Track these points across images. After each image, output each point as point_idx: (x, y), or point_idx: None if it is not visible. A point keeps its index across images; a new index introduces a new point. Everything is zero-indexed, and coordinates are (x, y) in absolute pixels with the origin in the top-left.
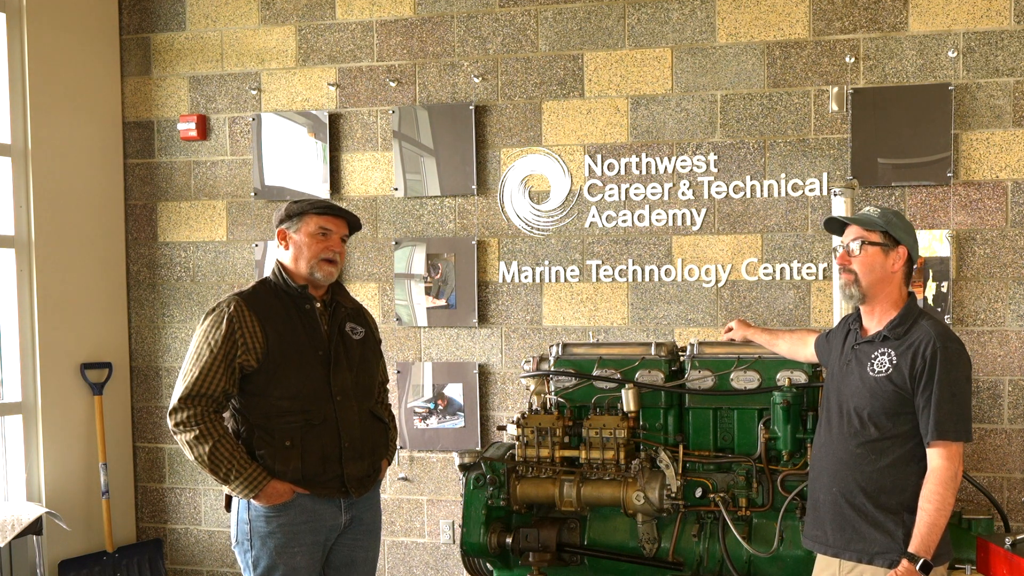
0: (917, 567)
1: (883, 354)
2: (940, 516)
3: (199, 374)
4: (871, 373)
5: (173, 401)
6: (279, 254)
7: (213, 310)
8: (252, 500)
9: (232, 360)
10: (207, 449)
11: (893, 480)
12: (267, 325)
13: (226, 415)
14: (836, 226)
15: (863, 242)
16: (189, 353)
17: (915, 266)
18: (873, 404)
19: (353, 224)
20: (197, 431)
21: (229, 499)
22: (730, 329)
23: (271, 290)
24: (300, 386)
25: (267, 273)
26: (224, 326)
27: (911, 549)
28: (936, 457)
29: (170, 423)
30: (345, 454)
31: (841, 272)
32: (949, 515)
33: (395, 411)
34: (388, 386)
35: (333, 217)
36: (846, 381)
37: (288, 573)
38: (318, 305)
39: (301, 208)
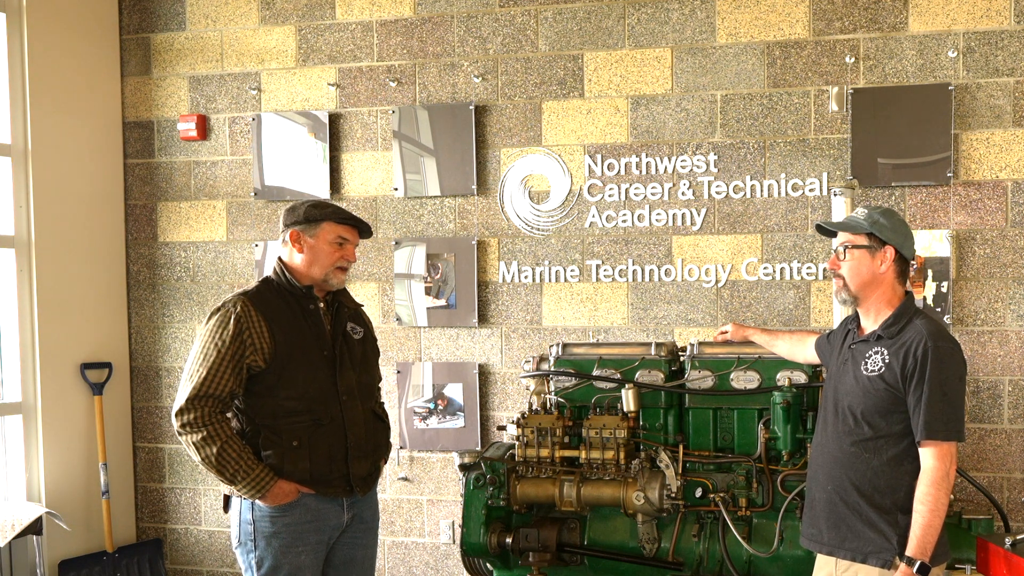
0: (915, 570)
1: (876, 353)
2: (935, 517)
3: (206, 374)
4: (864, 372)
5: (180, 402)
6: (283, 253)
7: (218, 310)
8: (257, 501)
9: (240, 360)
10: (215, 451)
11: (887, 479)
12: (274, 325)
13: (229, 415)
14: (827, 231)
15: (848, 246)
16: (194, 353)
17: (913, 263)
18: (866, 403)
19: (364, 232)
20: (204, 432)
21: (227, 500)
22: (724, 333)
23: (274, 290)
24: (307, 386)
25: (268, 273)
26: (232, 326)
27: (908, 553)
28: (927, 457)
29: (176, 424)
30: (351, 453)
31: (832, 277)
32: (944, 515)
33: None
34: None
35: (351, 227)
36: (842, 380)
37: (292, 572)
38: (321, 305)
39: (322, 214)
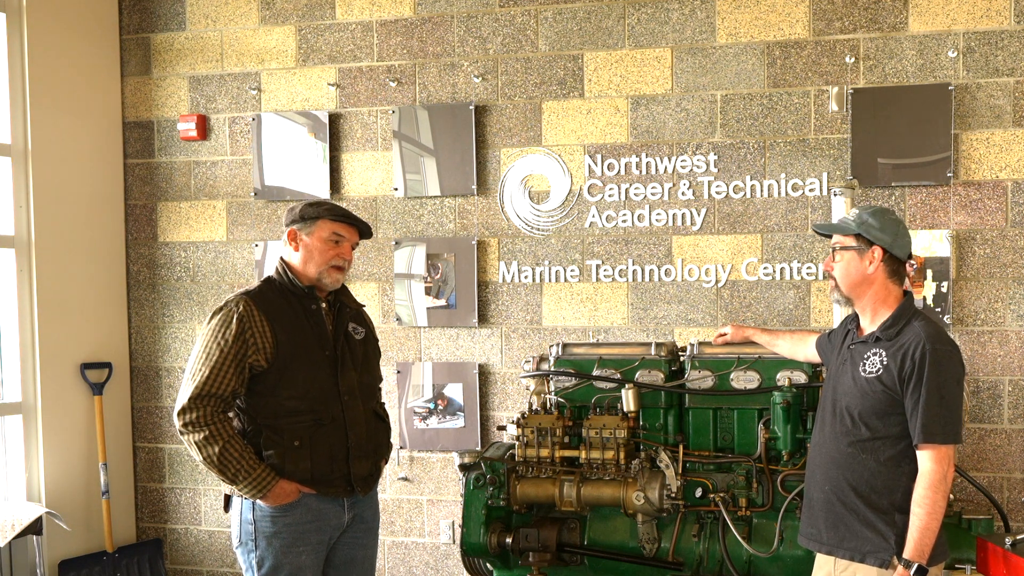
0: (912, 572)
1: (875, 354)
2: (932, 520)
3: (209, 374)
4: (863, 373)
5: (182, 401)
6: (285, 253)
7: (220, 309)
8: (258, 500)
9: (243, 360)
10: (217, 450)
11: (884, 480)
12: (276, 325)
13: (230, 414)
14: (823, 232)
15: (838, 247)
16: (196, 352)
17: (912, 263)
18: (863, 404)
19: (364, 232)
20: (207, 431)
21: (228, 500)
22: (723, 335)
23: (276, 289)
24: (308, 386)
25: (269, 272)
26: (235, 325)
27: (905, 555)
28: (925, 460)
29: (178, 423)
30: (352, 453)
31: (827, 278)
32: (941, 517)
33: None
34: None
35: (347, 225)
36: (840, 380)
37: (293, 572)
38: (323, 305)
39: (317, 212)
